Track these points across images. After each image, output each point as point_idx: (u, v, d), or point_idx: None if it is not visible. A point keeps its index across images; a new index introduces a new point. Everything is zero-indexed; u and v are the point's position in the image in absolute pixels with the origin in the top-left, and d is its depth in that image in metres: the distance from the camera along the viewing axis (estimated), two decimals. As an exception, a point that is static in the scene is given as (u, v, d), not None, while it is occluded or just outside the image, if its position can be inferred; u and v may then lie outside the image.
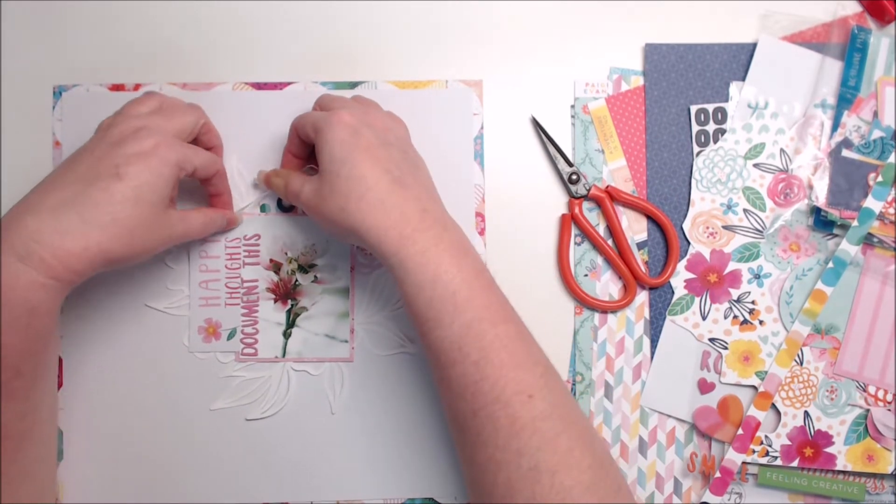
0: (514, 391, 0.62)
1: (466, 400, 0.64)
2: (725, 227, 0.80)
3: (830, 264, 0.78)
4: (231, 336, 0.80)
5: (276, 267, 0.80)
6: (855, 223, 0.78)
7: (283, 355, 0.80)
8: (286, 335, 0.80)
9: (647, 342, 0.80)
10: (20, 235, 0.64)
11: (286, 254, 0.80)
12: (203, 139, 0.77)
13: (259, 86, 0.82)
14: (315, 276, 0.80)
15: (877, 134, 0.79)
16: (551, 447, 0.61)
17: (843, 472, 0.79)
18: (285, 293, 0.80)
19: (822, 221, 0.80)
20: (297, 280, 0.80)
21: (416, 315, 0.66)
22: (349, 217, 0.67)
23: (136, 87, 0.82)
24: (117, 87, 0.82)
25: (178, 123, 0.73)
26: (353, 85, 0.82)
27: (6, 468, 0.66)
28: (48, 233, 0.64)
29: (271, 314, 0.80)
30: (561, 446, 0.62)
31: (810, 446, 0.78)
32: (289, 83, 0.82)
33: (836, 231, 0.80)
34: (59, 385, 0.79)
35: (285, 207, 0.81)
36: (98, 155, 0.68)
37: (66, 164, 0.69)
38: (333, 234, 0.74)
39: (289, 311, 0.80)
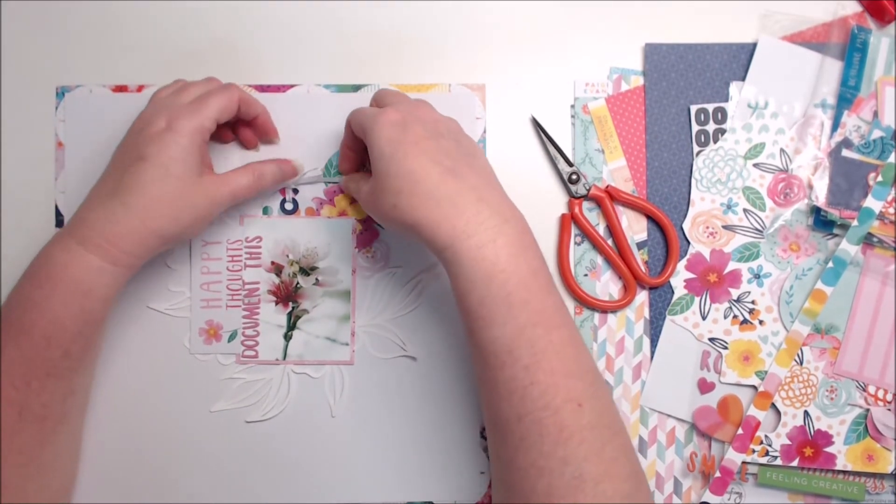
0: (565, 399, 0.61)
1: (513, 404, 0.62)
2: (725, 227, 0.80)
3: (830, 264, 0.78)
4: (232, 338, 0.80)
5: (277, 269, 0.81)
6: (855, 223, 0.78)
7: (284, 358, 0.80)
8: (287, 337, 0.80)
9: (646, 342, 0.80)
10: (79, 226, 0.68)
11: (287, 256, 0.81)
12: (241, 111, 0.77)
13: (262, 88, 0.82)
14: (316, 279, 0.81)
15: (877, 134, 0.79)
16: (597, 457, 0.61)
17: (843, 472, 0.79)
18: (286, 295, 0.80)
19: (822, 221, 0.80)
20: (298, 282, 0.81)
21: (466, 312, 0.65)
22: (402, 213, 0.66)
23: (140, 88, 0.82)
24: (120, 88, 0.82)
25: (191, 96, 0.74)
26: (357, 88, 0.82)
27: (40, 452, 0.68)
28: (99, 221, 0.68)
29: (272, 316, 0.80)
30: (606, 456, 0.61)
31: (810, 446, 0.78)
32: (292, 86, 0.82)
33: (836, 231, 0.80)
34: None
35: (287, 210, 0.81)
36: (126, 145, 0.72)
37: (110, 161, 0.73)
38: (393, 231, 0.74)
39: (290, 314, 0.80)
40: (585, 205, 0.81)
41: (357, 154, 0.78)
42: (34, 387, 0.66)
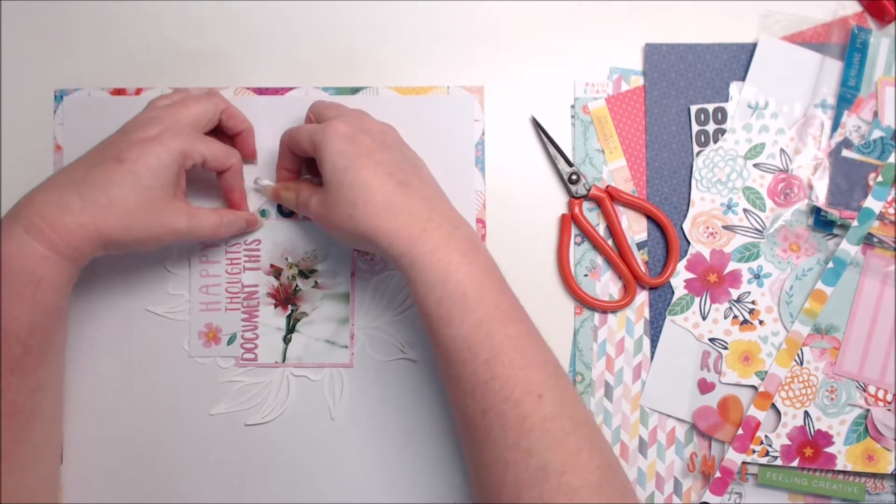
0: (524, 391, 0.63)
1: (476, 399, 0.64)
2: (725, 227, 0.80)
3: (830, 264, 0.78)
4: (231, 341, 0.80)
5: (276, 272, 0.81)
6: (855, 223, 0.78)
7: (283, 360, 0.80)
8: (286, 340, 0.80)
9: (647, 342, 0.80)
10: (27, 209, 0.67)
11: (287, 259, 0.81)
12: (228, 125, 0.78)
13: (260, 91, 0.82)
14: (315, 282, 0.81)
15: (877, 134, 0.79)
16: (560, 447, 0.62)
17: (843, 472, 0.79)
18: (286, 298, 0.80)
19: (822, 221, 0.79)
20: (297, 285, 0.81)
21: (426, 314, 0.66)
22: (358, 223, 0.67)
23: (138, 91, 0.82)
24: (119, 91, 0.82)
25: (191, 112, 0.74)
26: (355, 90, 0.82)
27: (14, 448, 0.67)
28: (50, 208, 0.67)
29: (271, 319, 0.80)
30: (570, 447, 0.62)
31: (810, 446, 0.78)
32: (290, 88, 0.82)
33: (836, 231, 0.79)
34: (62, 386, 0.79)
35: (286, 213, 0.81)
36: (109, 143, 0.71)
37: (85, 153, 0.72)
38: (344, 241, 0.74)
39: (289, 317, 0.80)
40: (585, 205, 0.81)
41: (294, 174, 0.79)
42: None
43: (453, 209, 0.70)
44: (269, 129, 0.81)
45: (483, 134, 0.82)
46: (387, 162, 0.69)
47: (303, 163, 0.77)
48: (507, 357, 0.64)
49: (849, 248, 0.78)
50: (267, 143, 0.81)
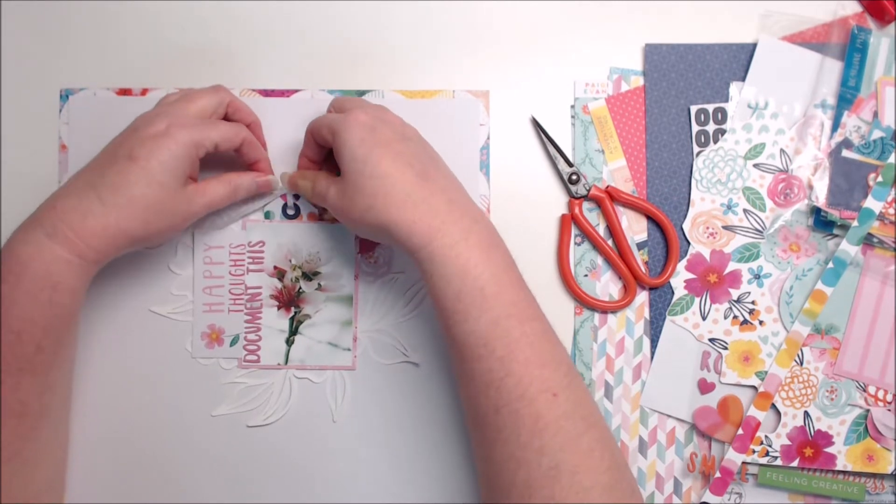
0: (539, 389, 0.63)
1: (489, 396, 0.64)
2: (725, 228, 0.80)
3: (830, 264, 0.78)
4: (234, 342, 0.80)
5: (280, 274, 0.81)
6: (855, 223, 0.78)
7: (286, 362, 0.80)
8: (289, 342, 0.80)
9: (647, 342, 0.81)
10: (49, 215, 0.67)
11: (290, 261, 0.81)
12: (234, 118, 0.78)
13: (266, 93, 0.82)
14: (319, 284, 0.81)
15: (877, 134, 0.79)
16: (573, 447, 0.62)
17: (843, 472, 0.79)
18: (289, 300, 0.81)
19: (822, 221, 0.80)
20: (300, 287, 0.81)
21: (442, 308, 0.66)
22: (378, 215, 0.67)
23: (143, 91, 0.82)
24: (124, 91, 0.82)
25: (197, 106, 0.74)
26: (361, 94, 0.82)
27: (22, 447, 0.68)
28: (72, 212, 0.67)
29: (274, 321, 0.80)
30: (582, 446, 0.62)
31: (810, 446, 0.78)
32: (296, 90, 0.82)
33: (836, 231, 0.80)
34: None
35: (290, 214, 0.81)
36: (119, 142, 0.71)
37: (99, 153, 0.72)
38: (362, 233, 0.75)
39: (292, 319, 0.80)
40: (585, 205, 0.81)
41: (317, 165, 0.79)
42: (8, 383, 0.66)
43: (472, 203, 0.70)
44: (274, 130, 0.81)
45: (488, 138, 0.82)
46: (406, 153, 0.69)
47: (325, 154, 0.77)
48: (523, 355, 0.64)
49: (849, 248, 0.78)
50: (273, 144, 0.81)
